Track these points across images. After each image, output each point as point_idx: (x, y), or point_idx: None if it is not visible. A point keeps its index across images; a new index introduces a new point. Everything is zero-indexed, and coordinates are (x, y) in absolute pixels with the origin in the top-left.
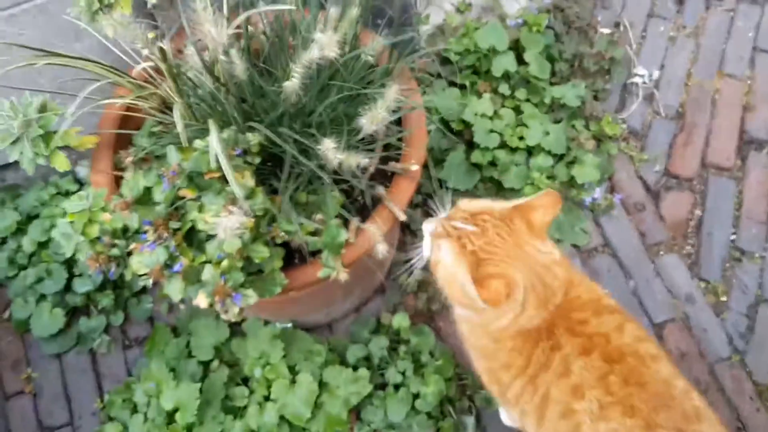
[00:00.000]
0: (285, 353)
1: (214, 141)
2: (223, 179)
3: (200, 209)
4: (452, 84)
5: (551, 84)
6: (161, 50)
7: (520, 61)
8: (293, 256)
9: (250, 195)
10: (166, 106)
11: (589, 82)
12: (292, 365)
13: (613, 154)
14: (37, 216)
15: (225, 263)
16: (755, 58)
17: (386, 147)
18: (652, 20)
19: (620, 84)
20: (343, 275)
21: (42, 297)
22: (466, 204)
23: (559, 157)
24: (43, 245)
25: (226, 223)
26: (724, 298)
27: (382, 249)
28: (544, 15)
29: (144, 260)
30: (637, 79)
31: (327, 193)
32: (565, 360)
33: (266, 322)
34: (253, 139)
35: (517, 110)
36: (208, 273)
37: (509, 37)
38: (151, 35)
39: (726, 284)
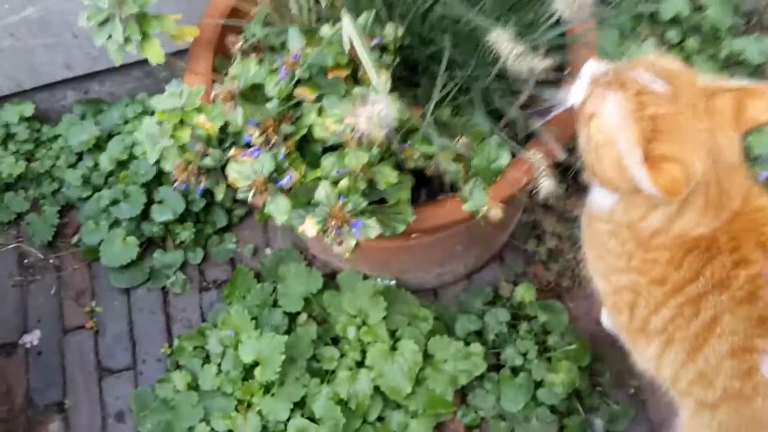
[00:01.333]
0: (386, 314)
1: (349, 25)
2: (351, 80)
3: (319, 113)
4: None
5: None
6: None
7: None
8: (419, 193)
9: None
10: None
11: None
12: (392, 329)
13: None
14: (119, 134)
15: (344, 182)
16: None
17: None
18: None
19: None
20: (496, 211)
21: (116, 222)
22: (660, 58)
23: None
24: (122, 165)
25: (369, 111)
26: None
27: (547, 183)
28: None
29: (244, 170)
30: None
31: (477, 111)
32: (754, 281)
33: (365, 278)
34: (393, 31)
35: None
36: (323, 191)
37: None
38: None
39: None
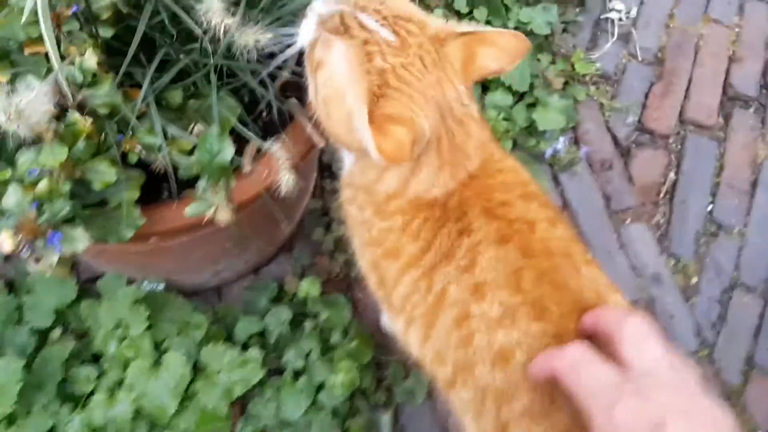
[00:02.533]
0: (151, 323)
1: None
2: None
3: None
4: None
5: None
6: None
7: None
8: (161, 189)
9: (91, 82)
10: None
11: (559, 11)
12: (159, 340)
13: (580, 100)
14: None
15: (43, 184)
16: (744, 5)
17: None
18: None
19: (593, 18)
20: (225, 214)
21: None
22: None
23: (519, 96)
24: None
25: (11, 102)
26: (695, 280)
27: (288, 179)
28: None
29: None
30: (612, 15)
31: (212, 95)
32: (474, 249)
33: (131, 282)
34: None
35: None
36: (12, 197)
37: None
38: None
39: (699, 263)
